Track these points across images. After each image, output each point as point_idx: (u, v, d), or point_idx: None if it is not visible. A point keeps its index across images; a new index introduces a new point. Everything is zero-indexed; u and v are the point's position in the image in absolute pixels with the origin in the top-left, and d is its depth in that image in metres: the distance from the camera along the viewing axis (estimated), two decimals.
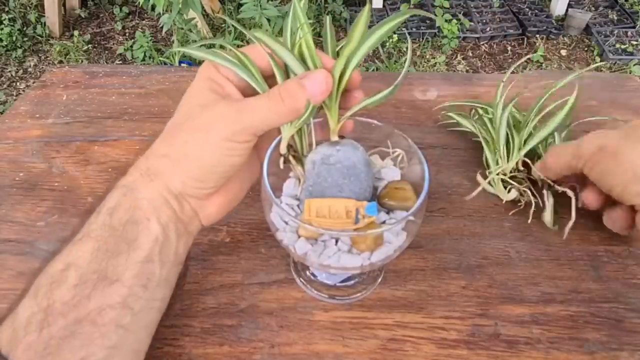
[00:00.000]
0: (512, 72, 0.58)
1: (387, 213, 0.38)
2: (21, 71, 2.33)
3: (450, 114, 0.59)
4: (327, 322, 0.41)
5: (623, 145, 0.40)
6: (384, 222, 0.37)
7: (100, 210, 0.34)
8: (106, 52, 2.43)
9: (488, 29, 2.47)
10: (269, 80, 0.36)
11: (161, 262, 0.33)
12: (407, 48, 0.38)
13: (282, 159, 0.37)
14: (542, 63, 2.36)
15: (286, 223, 0.37)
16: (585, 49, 2.45)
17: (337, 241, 0.36)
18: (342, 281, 0.44)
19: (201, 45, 0.38)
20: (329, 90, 0.33)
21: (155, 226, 0.33)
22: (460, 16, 2.47)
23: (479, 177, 0.52)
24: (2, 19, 2.45)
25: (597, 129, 0.45)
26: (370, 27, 0.33)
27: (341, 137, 0.38)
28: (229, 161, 0.34)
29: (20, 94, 2.16)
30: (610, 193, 0.42)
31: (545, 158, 0.47)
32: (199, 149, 0.34)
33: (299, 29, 0.35)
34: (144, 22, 2.62)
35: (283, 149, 0.37)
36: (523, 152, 0.50)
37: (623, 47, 2.32)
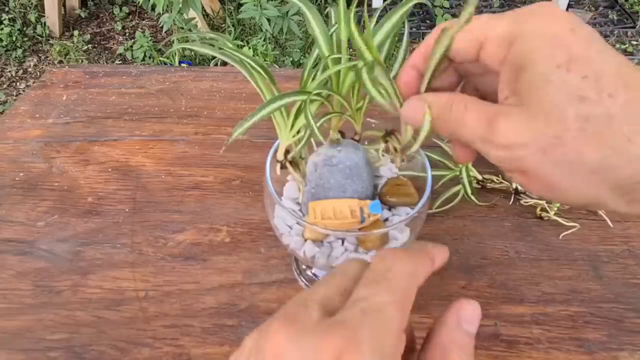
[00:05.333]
0: None
1: (389, 210, 0.38)
2: (21, 71, 2.33)
3: None
4: None
5: (554, 173, 0.25)
6: (387, 220, 0.37)
7: None
8: (106, 52, 2.43)
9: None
10: None
11: None
12: (405, 48, 0.37)
13: (278, 165, 0.37)
14: None
15: (290, 227, 0.37)
16: None
17: (343, 241, 0.36)
18: None
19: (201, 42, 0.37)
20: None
21: None
22: None
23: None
24: (2, 19, 2.45)
25: None
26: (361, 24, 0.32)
27: (341, 133, 0.38)
28: None
29: (20, 94, 2.16)
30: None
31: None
32: None
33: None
34: (144, 22, 2.62)
35: (280, 155, 0.37)
36: None
37: (623, 47, 2.32)
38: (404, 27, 0.35)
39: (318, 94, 0.33)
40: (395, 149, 0.35)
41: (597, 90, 0.21)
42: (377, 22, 0.32)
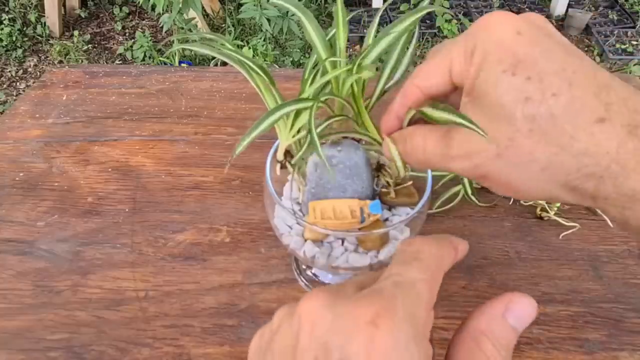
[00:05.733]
0: None
1: (389, 210, 0.38)
2: (21, 71, 2.33)
3: None
4: None
5: (509, 173, 0.25)
6: (387, 220, 0.37)
7: None
8: (106, 52, 2.43)
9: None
10: None
11: None
12: (412, 53, 0.37)
13: (278, 165, 0.37)
14: None
15: (290, 227, 0.37)
16: (585, 49, 2.44)
17: (343, 241, 0.36)
18: None
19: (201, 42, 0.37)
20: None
21: None
22: (461, 16, 2.47)
23: None
24: (2, 19, 2.45)
25: None
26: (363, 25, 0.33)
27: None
28: None
29: (20, 94, 2.16)
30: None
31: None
32: None
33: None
34: (144, 22, 2.61)
35: (280, 155, 0.37)
36: None
37: (623, 47, 2.32)
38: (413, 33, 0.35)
39: (322, 102, 0.32)
40: (388, 183, 0.37)
41: (541, 90, 0.22)
42: (379, 25, 0.32)
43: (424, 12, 0.31)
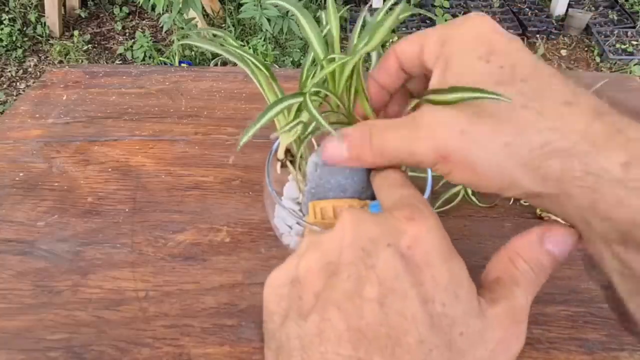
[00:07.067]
0: None
1: None
2: (21, 71, 2.33)
3: None
4: None
5: (472, 150, 0.24)
6: None
7: None
8: (106, 52, 2.43)
9: None
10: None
11: None
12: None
13: (279, 164, 0.37)
14: None
15: (290, 227, 0.37)
16: (586, 49, 2.44)
17: None
18: None
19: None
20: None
21: None
22: (460, 16, 2.47)
23: None
24: (2, 19, 2.45)
25: None
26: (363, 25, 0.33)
27: None
28: None
29: (20, 94, 2.16)
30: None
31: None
32: None
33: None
34: (144, 22, 2.62)
35: (281, 154, 0.37)
36: None
37: (623, 47, 2.32)
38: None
39: (316, 93, 0.33)
40: None
41: (511, 76, 0.24)
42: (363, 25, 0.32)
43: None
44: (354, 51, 0.31)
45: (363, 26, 0.33)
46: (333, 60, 0.32)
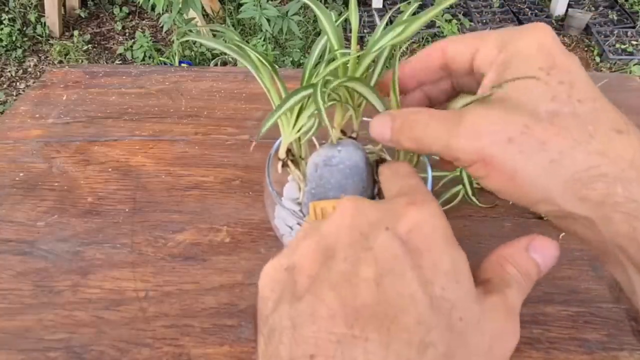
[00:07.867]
0: None
1: None
2: (21, 71, 2.33)
3: None
4: None
5: (516, 161, 0.24)
6: None
7: None
8: (106, 52, 2.43)
9: (488, 29, 2.47)
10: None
11: None
12: (407, 47, 0.37)
13: (280, 164, 0.37)
14: None
15: (291, 228, 0.37)
16: (585, 49, 2.44)
17: None
18: None
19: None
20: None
21: None
22: (460, 16, 2.47)
23: None
24: (2, 19, 2.45)
25: None
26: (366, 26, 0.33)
27: (342, 132, 0.38)
28: None
29: (20, 94, 2.16)
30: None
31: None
32: None
33: None
34: (144, 22, 2.62)
35: (282, 154, 0.37)
36: None
37: (623, 47, 2.32)
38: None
39: (329, 82, 0.32)
40: None
41: (568, 94, 0.24)
42: (388, 22, 0.32)
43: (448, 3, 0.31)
44: (371, 45, 0.31)
45: (388, 23, 0.33)
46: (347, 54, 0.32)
